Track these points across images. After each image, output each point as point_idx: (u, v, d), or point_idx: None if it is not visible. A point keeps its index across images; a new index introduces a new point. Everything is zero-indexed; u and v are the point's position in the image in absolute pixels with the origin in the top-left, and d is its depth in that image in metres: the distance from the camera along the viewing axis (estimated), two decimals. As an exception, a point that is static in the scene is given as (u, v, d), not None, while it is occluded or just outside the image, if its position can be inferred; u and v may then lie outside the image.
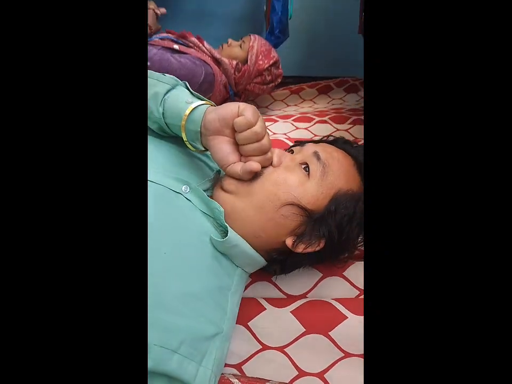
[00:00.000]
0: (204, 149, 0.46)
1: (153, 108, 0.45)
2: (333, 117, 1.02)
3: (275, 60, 1.09)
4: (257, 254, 0.45)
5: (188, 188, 0.44)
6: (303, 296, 0.50)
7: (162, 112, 0.45)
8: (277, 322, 0.46)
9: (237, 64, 1.05)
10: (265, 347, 0.45)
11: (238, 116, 0.40)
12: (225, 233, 0.43)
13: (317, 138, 0.57)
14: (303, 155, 0.45)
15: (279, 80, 1.13)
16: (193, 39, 1.03)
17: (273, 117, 1.04)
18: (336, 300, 0.47)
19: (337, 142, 0.50)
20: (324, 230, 0.42)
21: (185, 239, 0.40)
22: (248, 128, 0.39)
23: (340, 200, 0.42)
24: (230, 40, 1.10)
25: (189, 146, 0.47)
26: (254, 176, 0.43)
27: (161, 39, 1.00)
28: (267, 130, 0.43)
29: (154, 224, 0.37)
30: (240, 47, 1.08)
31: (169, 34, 1.04)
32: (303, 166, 0.44)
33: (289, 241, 0.43)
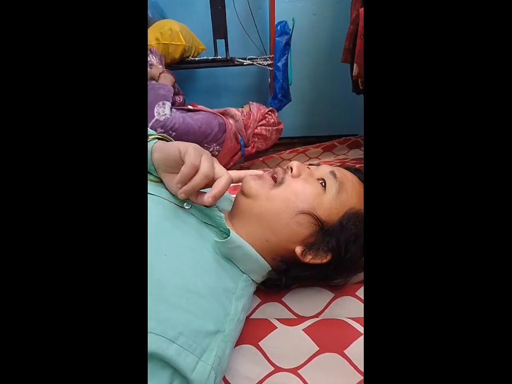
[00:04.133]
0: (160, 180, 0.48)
1: None
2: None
3: (271, 108, 1.28)
4: (260, 256, 0.45)
5: (190, 204, 0.46)
6: (315, 317, 0.48)
7: None
8: (289, 341, 0.43)
9: (242, 111, 1.24)
10: (277, 369, 0.42)
11: (181, 159, 0.41)
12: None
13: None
14: (320, 172, 0.48)
15: (282, 126, 1.27)
16: (201, 106, 1.23)
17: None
18: (350, 318, 0.45)
19: (350, 169, 0.52)
20: (333, 243, 0.43)
21: (185, 243, 0.41)
22: (196, 171, 0.40)
23: (350, 218, 0.44)
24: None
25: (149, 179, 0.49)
26: (276, 184, 0.46)
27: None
28: (213, 162, 0.42)
29: (154, 228, 0.39)
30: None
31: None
32: (320, 182, 0.46)
33: (298, 250, 0.44)
